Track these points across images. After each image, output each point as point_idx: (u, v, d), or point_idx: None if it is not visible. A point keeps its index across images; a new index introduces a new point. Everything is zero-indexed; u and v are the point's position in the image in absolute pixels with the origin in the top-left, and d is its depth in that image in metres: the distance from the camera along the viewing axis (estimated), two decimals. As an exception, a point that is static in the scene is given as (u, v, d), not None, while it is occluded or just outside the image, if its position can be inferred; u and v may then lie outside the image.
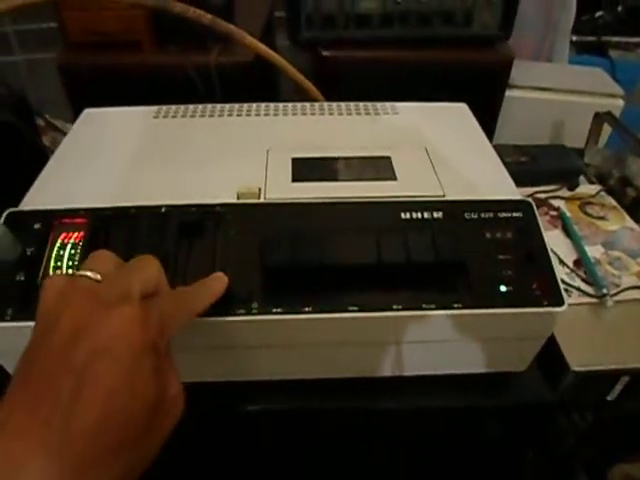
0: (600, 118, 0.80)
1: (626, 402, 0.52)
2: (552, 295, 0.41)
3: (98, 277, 0.31)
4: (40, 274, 0.40)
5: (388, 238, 0.41)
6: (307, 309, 0.39)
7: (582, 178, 0.75)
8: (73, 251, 0.41)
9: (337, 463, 0.55)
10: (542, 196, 0.69)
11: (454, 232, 0.43)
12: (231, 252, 0.42)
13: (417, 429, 0.52)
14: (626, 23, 1.32)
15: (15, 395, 0.27)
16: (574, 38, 1.23)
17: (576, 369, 0.49)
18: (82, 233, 0.42)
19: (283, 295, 0.40)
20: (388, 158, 0.51)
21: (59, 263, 0.41)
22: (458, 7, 0.81)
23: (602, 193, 0.71)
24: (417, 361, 0.46)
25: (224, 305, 0.38)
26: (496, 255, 0.43)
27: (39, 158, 0.54)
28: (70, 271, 0.40)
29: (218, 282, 0.38)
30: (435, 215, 0.44)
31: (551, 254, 0.43)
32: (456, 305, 0.40)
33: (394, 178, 0.49)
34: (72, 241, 0.42)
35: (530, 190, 0.69)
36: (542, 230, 0.44)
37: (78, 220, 0.43)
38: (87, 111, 0.60)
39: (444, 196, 0.47)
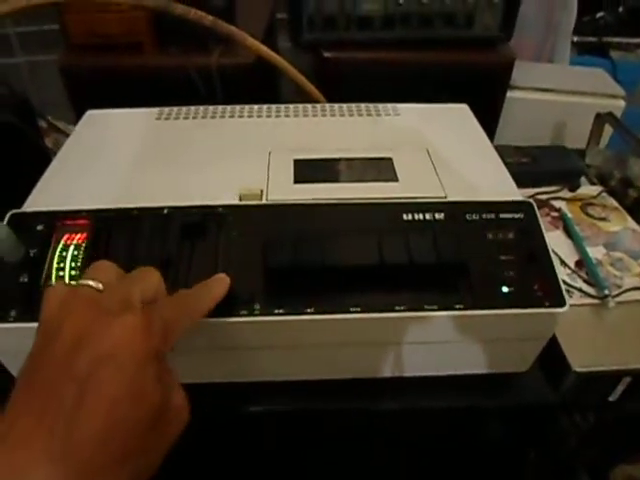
0: (601, 119, 0.80)
1: (628, 403, 0.52)
2: (554, 296, 0.41)
3: (100, 286, 0.32)
4: (43, 275, 0.40)
5: (390, 239, 0.41)
6: (309, 310, 0.40)
7: (583, 179, 0.75)
8: (76, 252, 0.41)
9: (339, 464, 0.55)
10: (543, 197, 0.69)
11: (456, 233, 0.43)
12: (233, 253, 0.42)
13: (419, 430, 0.52)
14: (627, 24, 1.32)
15: (18, 403, 0.27)
16: (575, 39, 1.23)
17: (578, 370, 0.49)
18: (85, 234, 0.42)
19: (285, 296, 0.40)
20: (390, 159, 0.51)
21: (62, 264, 0.41)
22: (459, 9, 0.81)
23: (603, 194, 0.71)
24: (419, 362, 0.46)
25: (226, 306, 0.38)
26: (498, 256, 0.43)
27: (41, 160, 0.55)
28: (73, 272, 0.40)
29: (220, 284, 0.38)
30: (437, 216, 0.44)
31: (552, 255, 0.43)
32: (458, 306, 0.40)
33: (396, 179, 0.49)
34: (75, 242, 0.42)
35: (531, 191, 0.69)
36: (543, 231, 0.45)
37: (81, 221, 0.43)
38: (89, 113, 0.60)
39: (446, 197, 0.47)
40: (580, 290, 0.56)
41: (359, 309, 0.40)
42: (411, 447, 0.55)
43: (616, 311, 0.54)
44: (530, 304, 0.41)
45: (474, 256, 0.42)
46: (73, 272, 0.41)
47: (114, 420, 0.26)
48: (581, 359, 0.49)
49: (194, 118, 0.59)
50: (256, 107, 0.61)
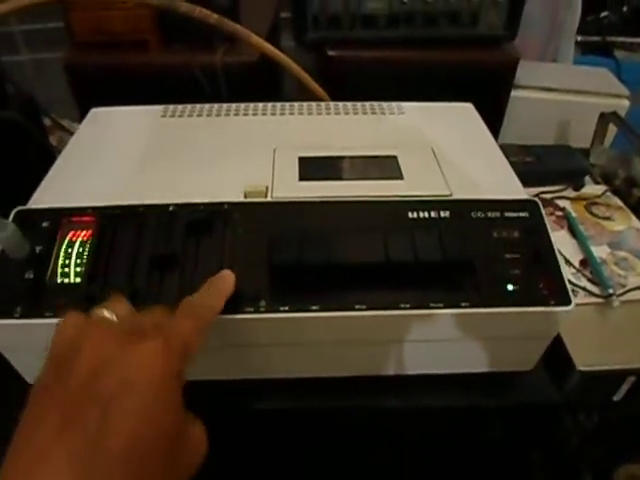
0: (606, 118, 0.80)
1: (632, 402, 0.52)
2: (559, 294, 0.41)
3: (114, 317, 0.32)
4: (48, 272, 0.40)
5: (395, 237, 0.41)
6: (315, 307, 0.39)
7: (587, 178, 0.75)
8: (81, 249, 0.41)
9: (341, 462, 0.55)
10: (548, 196, 0.69)
11: (461, 231, 0.43)
12: (239, 250, 0.42)
13: (422, 428, 0.52)
14: (631, 23, 1.32)
15: (33, 420, 0.28)
16: (579, 38, 1.23)
17: (582, 369, 0.49)
18: (90, 231, 0.42)
19: (291, 293, 0.40)
20: (395, 157, 0.51)
21: (67, 261, 0.41)
22: (464, 7, 0.81)
23: (608, 193, 0.71)
24: (423, 360, 0.46)
25: (232, 303, 0.38)
26: (503, 254, 0.43)
27: (46, 157, 0.55)
28: (78, 269, 0.41)
29: (226, 281, 0.38)
30: (442, 214, 0.44)
31: (557, 254, 0.43)
32: (463, 304, 0.40)
33: (401, 177, 0.49)
34: (80, 239, 0.42)
35: (535, 190, 0.69)
36: (549, 230, 0.44)
37: (86, 218, 0.43)
38: (94, 110, 0.61)
39: (451, 195, 0.47)
40: (584, 289, 0.56)
41: (364, 306, 0.40)
42: (414, 446, 0.55)
43: (620, 310, 0.54)
44: (535, 302, 0.41)
45: (479, 254, 0.42)
46: (78, 269, 0.41)
47: (134, 443, 0.26)
48: (585, 358, 0.49)
49: (199, 116, 0.59)
50: (261, 105, 0.61)
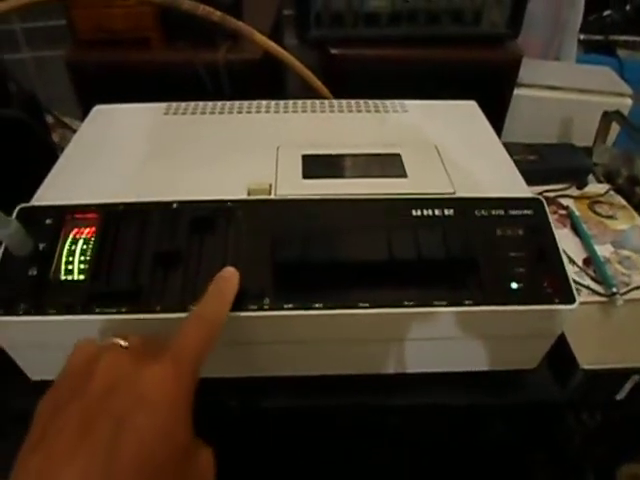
0: (608, 117, 0.80)
1: (635, 401, 0.52)
2: (563, 293, 0.41)
3: (126, 344, 0.33)
4: (52, 269, 0.40)
5: (399, 235, 0.41)
6: (318, 305, 0.39)
7: (591, 177, 0.75)
8: (85, 246, 0.41)
9: (343, 460, 0.55)
10: (551, 195, 0.69)
11: (465, 229, 0.43)
12: (242, 248, 0.42)
13: (425, 427, 0.52)
14: (634, 22, 1.31)
15: (46, 423, 0.28)
16: (582, 37, 1.23)
17: (586, 367, 0.49)
18: (94, 228, 0.42)
19: (295, 291, 0.40)
20: (398, 155, 0.51)
21: (71, 258, 0.41)
22: (467, 6, 0.81)
23: (611, 192, 0.71)
24: (426, 358, 0.46)
25: (236, 301, 0.38)
26: (507, 252, 0.43)
27: (49, 155, 0.55)
28: (82, 266, 0.40)
29: (229, 283, 0.38)
30: (446, 212, 0.44)
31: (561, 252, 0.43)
32: (467, 302, 0.40)
33: (404, 175, 0.49)
34: (84, 236, 0.42)
35: (539, 189, 0.69)
36: (553, 228, 0.44)
37: (90, 215, 0.43)
38: (97, 108, 0.60)
39: (455, 193, 0.47)
40: (588, 288, 0.56)
41: (368, 304, 0.40)
42: (417, 445, 0.55)
43: (624, 309, 0.54)
44: (540, 301, 0.41)
45: (483, 252, 0.42)
46: (82, 266, 0.40)
47: (147, 457, 0.27)
48: (589, 357, 0.49)
49: (202, 113, 0.59)
50: (264, 103, 0.61)
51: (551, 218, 0.45)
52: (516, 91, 0.91)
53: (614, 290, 0.55)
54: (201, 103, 0.61)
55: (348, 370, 0.47)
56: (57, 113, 0.84)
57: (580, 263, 0.59)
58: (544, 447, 0.57)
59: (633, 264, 0.59)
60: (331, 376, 0.47)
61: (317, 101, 0.62)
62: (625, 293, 0.55)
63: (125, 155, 0.52)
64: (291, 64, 0.72)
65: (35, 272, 0.40)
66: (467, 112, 0.61)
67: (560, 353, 0.49)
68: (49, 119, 0.82)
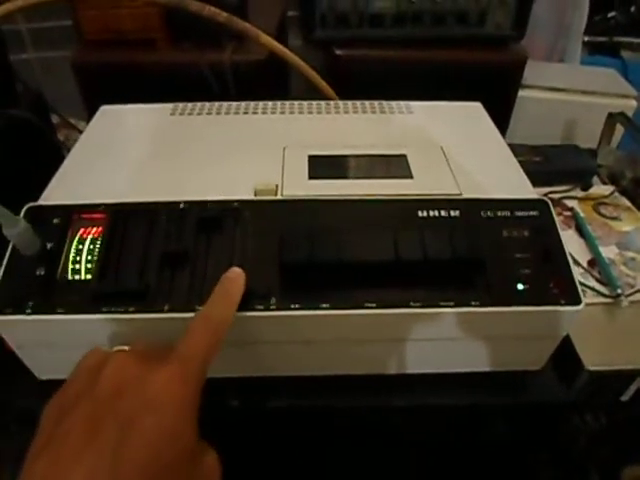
0: (613, 118, 0.80)
1: (640, 403, 0.52)
2: (569, 294, 0.41)
3: (132, 349, 0.33)
4: (59, 268, 0.41)
5: (405, 236, 0.41)
6: (325, 305, 0.40)
7: (595, 179, 0.75)
8: (92, 246, 0.42)
9: (347, 460, 0.55)
10: (555, 196, 0.69)
11: (471, 230, 0.43)
12: (249, 248, 0.42)
13: (430, 428, 0.52)
14: (638, 24, 1.31)
15: (53, 424, 0.29)
16: (586, 39, 1.22)
17: (591, 369, 0.49)
18: (101, 228, 0.42)
19: (301, 291, 0.40)
20: (404, 156, 0.51)
21: (78, 258, 0.41)
22: (472, 7, 0.81)
23: (615, 194, 0.71)
24: (432, 358, 0.46)
25: (243, 301, 0.38)
26: (513, 253, 0.43)
27: (55, 155, 0.55)
28: (89, 266, 0.41)
29: (235, 284, 0.38)
30: (452, 213, 0.44)
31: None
32: (473, 303, 0.40)
33: (410, 176, 0.49)
34: (91, 236, 0.42)
35: (543, 190, 0.69)
36: (559, 229, 0.44)
37: (97, 215, 0.43)
38: (103, 108, 0.61)
39: (461, 194, 0.47)
40: (593, 289, 0.56)
41: (374, 305, 0.40)
42: (421, 445, 0.55)
43: (629, 310, 0.54)
44: (546, 302, 0.41)
45: (489, 253, 0.42)
46: (89, 265, 0.41)
47: (154, 457, 0.27)
48: (594, 358, 0.49)
49: (209, 114, 0.59)
50: (270, 104, 0.61)
51: (556, 219, 0.45)
52: (521, 92, 0.91)
53: (619, 291, 0.55)
54: (207, 104, 0.61)
55: (353, 370, 0.47)
56: (63, 113, 0.85)
57: (585, 264, 0.59)
58: (548, 448, 0.57)
59: (638, 265, 0.59)
60: (335, 376, 0.47)
61: (323, 102, 0.62)
62: (630, 294, 0.55)
63: (132, 155, 0.52)
64: (296, 65, 0.72)
65: (43, 271, 0.40)
66: (472, 113, 0.61)
67: (565, 354, 0.49)
68: (55, 119, 0.83)
